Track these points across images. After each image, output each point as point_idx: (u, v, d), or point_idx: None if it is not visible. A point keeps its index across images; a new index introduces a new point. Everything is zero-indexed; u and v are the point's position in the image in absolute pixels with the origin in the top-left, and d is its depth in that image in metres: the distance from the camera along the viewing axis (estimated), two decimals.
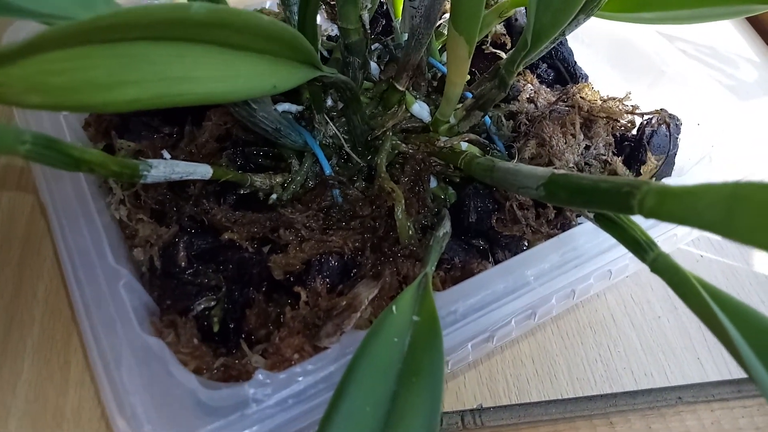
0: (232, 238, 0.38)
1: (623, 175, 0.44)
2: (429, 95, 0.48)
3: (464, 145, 0.45)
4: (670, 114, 0.49)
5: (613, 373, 0.51)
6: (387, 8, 0.51)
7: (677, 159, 0.49)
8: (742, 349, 0.23)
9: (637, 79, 0.55)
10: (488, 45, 0.54)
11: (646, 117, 0.46)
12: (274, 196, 0.43)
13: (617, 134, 0.48)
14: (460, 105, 0.44)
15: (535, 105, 0.49)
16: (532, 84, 0.51)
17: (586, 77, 0.57)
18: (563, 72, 0.56)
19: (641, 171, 0.43)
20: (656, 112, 0.44)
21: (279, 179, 0.44)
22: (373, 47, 0.49)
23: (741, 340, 0.25)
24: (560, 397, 0.49)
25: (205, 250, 0.38)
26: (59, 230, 0.34)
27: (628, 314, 0.54)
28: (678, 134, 0.48)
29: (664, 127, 0.43)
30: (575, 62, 0.57)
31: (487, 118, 0.47)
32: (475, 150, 0.45)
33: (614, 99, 0.52)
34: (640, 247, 0.30)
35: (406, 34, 0.45)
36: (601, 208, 0.28)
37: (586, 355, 0.51)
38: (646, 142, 0.44)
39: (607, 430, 0.49)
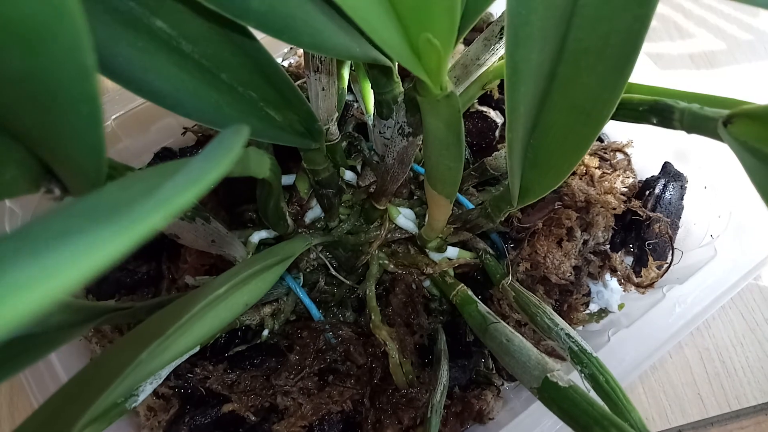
0: (233, 408, 0.39)
1: (623, 272, 0.43)
2: (412, 194, 0.45)
3: (455, 251, 0.44)
4: (676, 173, 0.47)
5: None
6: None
7: (683, 219, 0.47)
8: None
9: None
10: (475, 103, 0.49)
11: (646, 199, 0.44)
12: (265, 332, 0.44)
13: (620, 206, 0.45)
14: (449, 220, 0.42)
15: None
16: None
17: None
18: None
19: (642, 273, 0.42)
20: (655, 215, 0.42)
21: (268, 310, 0.44)
22: (343, 144, 0.45)
23: None
24: None
25: (208, 423, 0.40)
26: None
27: None
28: (682, 199, 0.46)
29: (665, 233, 0.41)
30: None
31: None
32: (467, 255, 0.44)
33: (615, 152, 0.49)
34: None
35: (379, 146, 0.41)
36: None
37: None
38: (645, 232, 0.42)
39: None
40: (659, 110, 0.30)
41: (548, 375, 0.31)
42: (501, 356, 0.35)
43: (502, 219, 0.37)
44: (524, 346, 0.34)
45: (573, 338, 0.36)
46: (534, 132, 0.31)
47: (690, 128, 0.29)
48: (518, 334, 0.35)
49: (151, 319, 0.27)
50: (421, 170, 0.44)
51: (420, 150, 0.44)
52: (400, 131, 0.34)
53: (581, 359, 0.35)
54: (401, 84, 0.34)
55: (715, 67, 0.75)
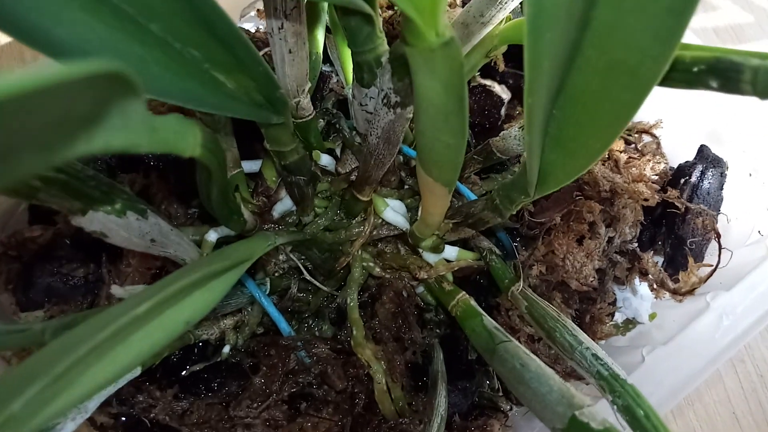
0: None
1: (656, 276, 0.36)
2: (402, 182, 0.38)
3: (454, 251, 0.37)
4: (714, 158, 0.40)
5: None
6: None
7: (723, 208, 0.40)
8: None
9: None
10: (476, 75, 0.43)
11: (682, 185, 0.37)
12: (226, 349, 0.37)
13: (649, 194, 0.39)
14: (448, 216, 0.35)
15: None
16: None
17: None
18: None
19: (680, 277, 0.36)
20: (696, 207, 0.35)
21: (229, 322, 0.37)
22: (320, 123, 0.38)
23: None
24: None
25: None
26: None
27: None
28: (722, 188, 0.40)
29: (710, 229, 0.35)
30: None
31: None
32: (469, 256, 0.37)
33: (641, 134, 0.42)
34: None
35: (360, 122, 0.34)
36: None
37: None
38: (679, 227, 0.36)
39: None
40: (722, 70, 0.23)
41: (576, 413, 0.25)
42: (514, 385, 0.28)
43: (514, 213, 0.30)
44: (543, 374, 0.27)
45: (602, 360, 0.29)
46: (558, 99, 0.25)
47: (766, 92, 0.22)
48: (535, 357, 0.28)
49: (46, 350, 0.21)
50: (413, 153, 0.37)
51: (411, 127, 0.38)
52: (385, 101, 0.27)
53: (613, 387, 0.28)
54: (385, 41, 0.28)
55: (742, 41, 0.68)
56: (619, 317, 0.39)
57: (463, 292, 0.34)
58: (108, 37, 0.23)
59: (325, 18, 0.36)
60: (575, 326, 0.32)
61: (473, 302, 0.33)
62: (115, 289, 0.30)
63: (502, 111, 0.42)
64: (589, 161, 0.25)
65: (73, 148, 0.14)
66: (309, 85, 0.34)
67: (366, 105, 0.31)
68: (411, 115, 0.28)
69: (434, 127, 0.24)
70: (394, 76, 0.26)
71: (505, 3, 0.32)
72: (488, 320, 0.31)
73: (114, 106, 0.15)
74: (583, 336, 0.31)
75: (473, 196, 0.37)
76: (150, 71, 0.24)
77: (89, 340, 0.20)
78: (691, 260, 0.36)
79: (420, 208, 0.33)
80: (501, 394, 0.39)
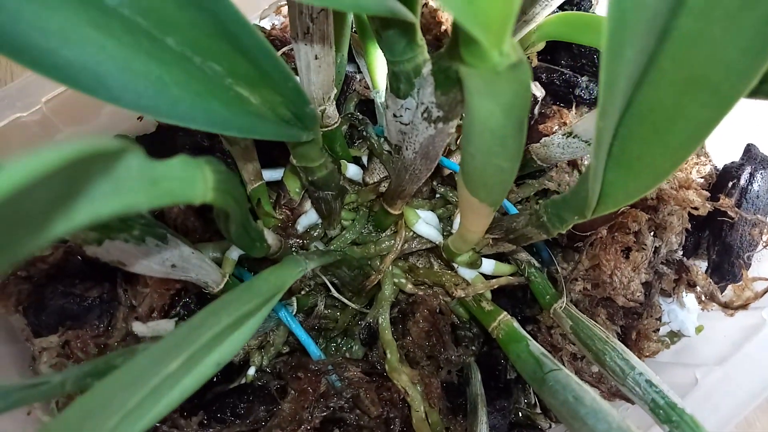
0: None
1: (706, 288, 0.34)
2: (434, 192, 0.36)
3: (491, 265, 0.35)
4: (763, 158, 0.38)
5: None
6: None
7: None
8: None
9: None
10: None
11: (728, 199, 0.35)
12: (251, 370, 0.35)
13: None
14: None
15: (580, 172, 0.37)
16: (569, 123, 0.38)
17: None
18: None
19: (732, 290, 0.34)
20: (753, 217, 0.33)
21: (254, 342, 0.36)
22: (343, 128, 0.36)
23: None
24: None
25: None
26: None
27: None
28: None
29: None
30: None
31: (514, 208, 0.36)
32: (506, 269, 0.35)
33: None
34: None
35: (393, 134, 0.32)
36: None
37: None
38: (728, 235, 0.34)
39: None
40: None
41: None
42: (567, 420, 0.26)
43: (563, 231, 0.28)
44: (600, 408, 0.25)
45: (656, 387, 0.27)
46: (624, 116, 0.22)
47: None
48: (588, 388, 0.26)
49: (71, 416, 0.19)
50: (451, 164, 0.34)
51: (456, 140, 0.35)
52: (425, 115, 0.25)
53: (669, 416, 0.27)
54: (426, 49, 0.25)
55: None
56: (662, 329, 0.37)
57: (504, 313, 0.32)
58: (121, 56, 0.21)
59: (350, 17, 0.33)
60: (625, 348, 0.29)
61: (516, 324, 0.31)
62: (137, 327, 0.28)
63: (536, 110, 0.40)
64: (654, 182, 0.23)
65: (46, 234, 0.11)
66: (335, 91, 0.32)
67: (401, 116, 0.28)
68: (453, 130, 0.25)
69: (488, 151, 0.21)
70: (438, 90, 0.24)
71: (551, 0, 0.29)
72: (534, 345, 0.29)
73: (96, 175, 0.12)
74: (635, 360, 0.29)
75: (514, 210, 0.34)
76: (170, 94, 0.21)
77: (120, 408, 0.18)
78: (745, 273, 0.33)
79: (457, 223, 0.31)
80: (538, 409, 0.37)
